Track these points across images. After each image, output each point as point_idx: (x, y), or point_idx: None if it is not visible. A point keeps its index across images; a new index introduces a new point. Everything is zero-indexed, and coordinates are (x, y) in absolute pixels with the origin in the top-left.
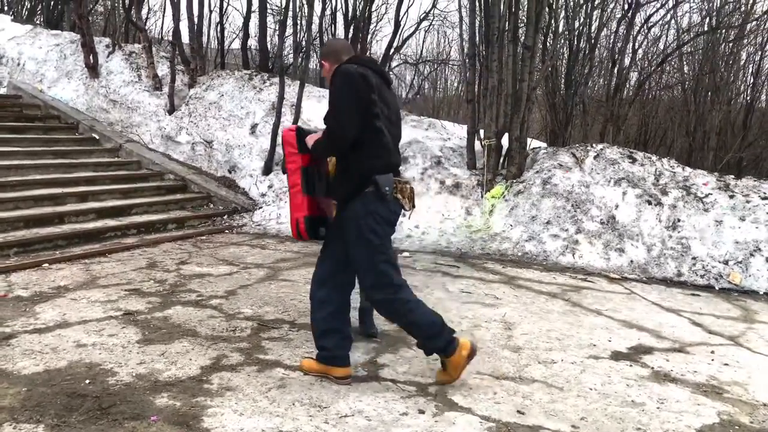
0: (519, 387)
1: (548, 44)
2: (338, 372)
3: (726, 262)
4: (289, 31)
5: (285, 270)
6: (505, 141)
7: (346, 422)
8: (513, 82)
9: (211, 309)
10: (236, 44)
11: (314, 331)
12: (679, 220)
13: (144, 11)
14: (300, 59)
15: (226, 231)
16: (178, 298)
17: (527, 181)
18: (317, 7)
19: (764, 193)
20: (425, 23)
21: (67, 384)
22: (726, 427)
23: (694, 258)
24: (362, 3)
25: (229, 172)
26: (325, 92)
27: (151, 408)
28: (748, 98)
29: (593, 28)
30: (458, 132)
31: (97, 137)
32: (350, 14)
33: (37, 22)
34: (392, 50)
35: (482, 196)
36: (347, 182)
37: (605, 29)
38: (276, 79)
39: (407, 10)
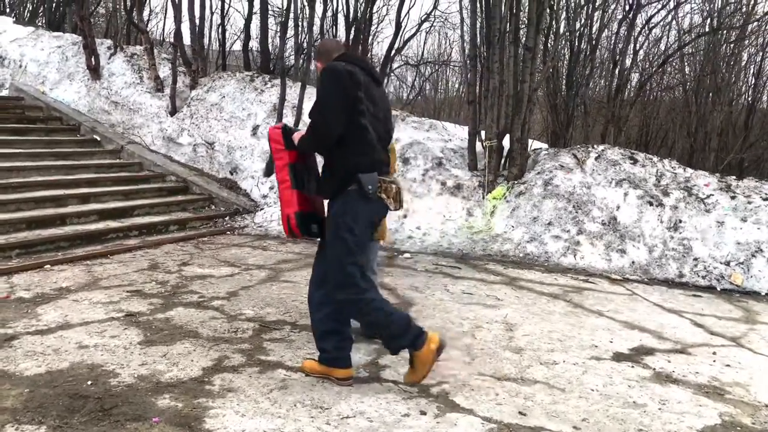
0: (521, 388)
1: (549, 45)
2: (339, 373)
3: (728, 263)
4: (290, 32)
5: (286, 271)
6: (506, 142)
7: (348, 423)
8: (514, 84)
9: (212, 310)
10: (237, 46)
11: (314, 332)
12: (680, 221)
13: (145, 13)
14: (301, 61)
15: (228, 232)
16: (179, 300)
17: (528, 182)
18: (318, 9)
19: (766, 193)
20: (426, 24)
21: (69, 385)
22: (728, 428)
23: (695, 259)
24: (363, 4)
25: (231, 173)
26: None
27: (152, 409)
28: (750, 99)
29: (594, 29)
30: (459, 133)
31: (99, 139)
32: (351, 16)
33: (39, 24)
34: (393, 51)
35: (483, 198)
36: (332, 180)
37: (606, 30)
38: (277, 81)
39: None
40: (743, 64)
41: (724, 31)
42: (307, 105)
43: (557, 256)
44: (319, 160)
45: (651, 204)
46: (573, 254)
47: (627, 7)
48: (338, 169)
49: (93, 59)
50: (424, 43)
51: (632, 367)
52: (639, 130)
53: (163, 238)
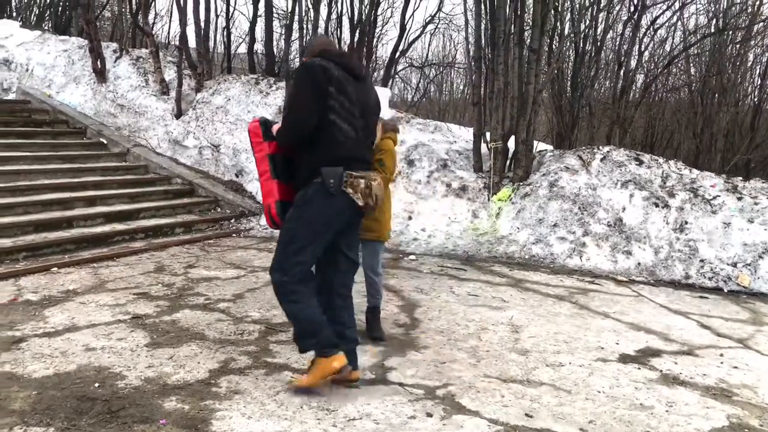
0: (527, 390)
1: (554, 47)
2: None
3: (734, 265)
4: (295, 35)
5: None
6: (511, 144)
7: (354, 425)
8: (519, 85)
9: (218, 312)
10: (242, 49)
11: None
12: (686, 223)
13: (151, 16)
14: None
15: (234, 235)
16: (186, 302)
17: (534, 184)
18: (323, 11)
19: None
20: (431, 26)
21: (77, 387)
22: (735, 430)
23: (702, 260)
24: (368, 7)
25: (236, 176)
26: None
27: (159, 411)
28: (756, 100)
29: (599, 30)
30: (464, 135)
31: (105, 142)
32: (356, 18)
33: (46, 27)
34: (398, 54)
35: (489, 199)
36: (299, 172)
37: (611, 31)
38: (282, 83)
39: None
40: (749, 64)
41: (730, 32)
42: None
43: (563, 258)
44: None
45: (657, 205)
46: (579, 256)
47: (632, 9)
48: (305, 162)
49: (99, 62)
50: (429, 45)
51: (639, 368)
52: (644, 131)
53: (169, 240)
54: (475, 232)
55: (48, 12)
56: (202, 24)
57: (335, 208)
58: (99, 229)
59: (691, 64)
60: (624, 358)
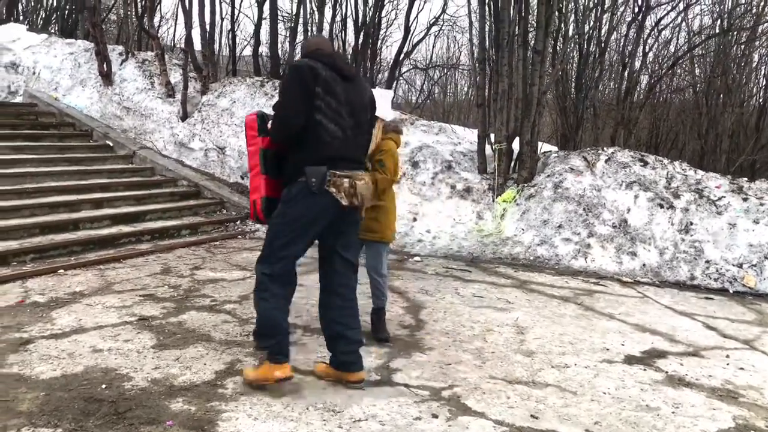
0: (532, 391)
1: (558, 48)
2: (350, 377)
3: (740, 266)
4: (299, 37)
5: (298, 275)
6: (515, 145)
7: (360, 427)
8: (523, 87)
9: (225, 314)
10: (247, 51)
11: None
12: (691, 224)
13: (156, 19)
14: None
15: (239, 236)
16: (192, 304)
17: (538, 185)
18: (327, 14)
19: None
20: (435, 28)
21: (84, 389)
22: (741, 431)
23: (707, 261)
24: (372, 9)
25: (242, 178)
26: None
27: (166, 413)
28: (761, 100)
29: (603, 31)
30: (469, 136)
31: (111, 144)
32: (360, 20)
33: (52, 31)
34: (402, 55)
35: (493, 201)
36: (287, 170)
37: (615, 33)
38: None
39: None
40: (754, 65)
41: (735, 33)
42: None
43: (568, 259)
44: None
45: (662, 206)
46: (584, 257)
47: (636, 10)
48: (292, 161)
49: (105, 65)
50: (433, 46)
51: (644, 370)
52: (649, 132)
53: (175, 242)
54: (480, 233)
55: (54, 15)
56: (208, 27)
57: (318, 207)
58: (105, 231)
59: (696, 65)
60: (629, 360)
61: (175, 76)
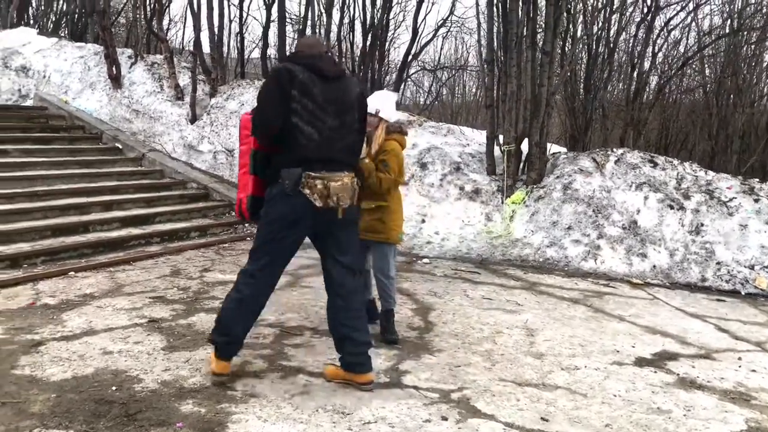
0: (542, 394)
1: (567, 49)
2: (361, 378)
3: (752, 267)
4: None
5: (306, 276)
6: (524, 146)
7: (370, 429)
8: (532, 87)
9: None
10: (256, 54)
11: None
12: (702, 225)
13: (165, 22)
14: None
15: (248, 238)
16: (201, 305)
17: (548, 187)
18: (335, 16)
19: None
20: (443, 30)
21: (95, 390)
22: None
23: (718, 263)
24: (380, 11)
25: None
26: None
27: (176, 414)
28: None
29: (612, 32)
30: (477, 138)
31: (121, 147)
32: (368, 22)
33: (62, 34)
34: (410, 57)
35: (502, 202)
36: (269, 172)
37: (624, 33)
38: None
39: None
40: (765, 65)
41: (745, 32)
42: None
43: (577, 261)
44: None
45: (672, 207)
46: (593, 258)
47: (645, 10)
48: (273, 163)
49: (114, 68)
50: (441, 48)
51: (655, 372)
52: (658, 133)
53: (184, 244)
54: (489, 235)
55: (64, 19)
56: (216, 29)
57: (293, 208)
58: (115, 234)
59: (706, 65)
60: (640, 362)
61: (184, 79)
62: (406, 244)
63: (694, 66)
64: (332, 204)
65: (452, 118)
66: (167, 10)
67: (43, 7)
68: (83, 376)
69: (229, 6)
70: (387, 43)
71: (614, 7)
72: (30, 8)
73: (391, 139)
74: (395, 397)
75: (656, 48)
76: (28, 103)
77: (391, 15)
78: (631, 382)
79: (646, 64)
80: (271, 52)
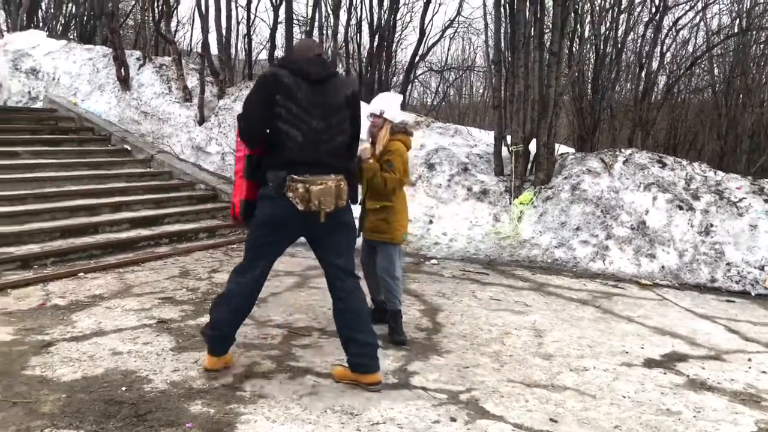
0: (551, 395)
1: (574, 49)
2: (370, 379)
3: (762, 268)
4: (315, 41)
5: (314, 277)
6: (532, 147)
7: (378, 430)
8: (539, 88)
9: None
10: (263, 55)
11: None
12: (711, 225)
13: (173, 24)
14: None
15: None
16: (210, 306)
17: (556, 187)
18: (342, 18)
19: None
20: (450, 30)
21: (105, 391)
22: None
23: (728, 263)
24: (387, 12)
25: None
26: None
27: (185, 415)
28: None
29: (620, 32)
30: (485, 138)
31: (130, 148)
32: (375, 24)
33: (71, 37)
34: (417, 58)
35: (510, 203)
36: (260, 176)
37: (632, 33)
38: None
39: (432, 18)
40: None
41: (754, 32)
42: None
43: (586, 262)
44: None
45: (681, 208)
46: (602, 259)
47: (653, 9)
48: (262, 167)
49: (123, 70)
50: (448, 49)
51: (665, 373)
52: (667, 133)
53: (193, 245)
54: (497, 236)
55: (73, 22)
56: (224, 31)
57: (278, 211)
58: (124, 235)
59: (715, 65)
60: (649, 363)
61: (192, 81)
62: (414, 245)
63: (702, 66)
64: (314, 208)
65: (460, 118)
66: (175, 12)
67: (52, 10)
68: (93, 376)
69: (236, 8)
70: (394, 44)
71: (622, 6)
72: (39, 11)
73: (395, 140)
74: (404, 398)
75: (664, 48)
76: (38, 105)
77: (398, 16)
78: (641, 384)
79: (655, 64)
80: (279, 53)
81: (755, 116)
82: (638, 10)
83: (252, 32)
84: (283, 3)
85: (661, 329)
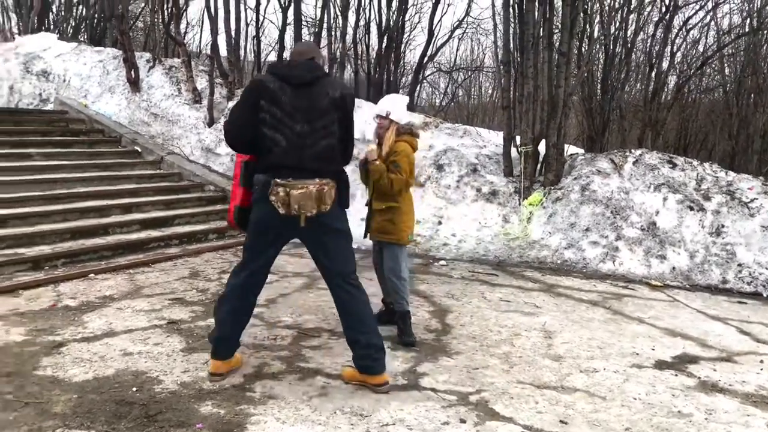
0: (561, 396)
1: (584, 50)
2: (375, 380)
3: None
4: (323, 42)
5: (323, 278)
6: (541, 147)
7: (388, 431)
8: (549, 88)
9: (252, 317)
10: (272, 57)
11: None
12: (723, 226)
13: (183, 26)
14: (335, 70)
15: None
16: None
17: (565, 188)
18: (351, 19)
19: None
20: (459, 31)
21: (115, 391)
22: None
23: (740, 264)
24: (396, 13)
25: None
26: (360, 102)
27: (196, 415)
28: None
29: (629, 32)
30: (494, 139)
31: (140, 150)
32: (384, 24)
33: (82, 39)
34: (426, 59)
35: (520, 204)
36: (249, 180)
37: (642, 33)
38: None
39: (441, 19)
40: None
41: (765, 31)
42: None
43: (596, 263)
44: None
45: (691, 209)
46: (612, 260)
47: (663, 9)
48: (249, 171)
49: (132, 72)
50: (457, 49)
51: (676, 375)
52: (677, 133)
53: (202, 246)
54: (507, 237)
55: (84, 24)
56: (233, 33)
57: (261, 214)
58: (135, 236)
59: (726, 65)
60: (660, 365)
61: (202, 83)
62: (423, 246)
63: (713, 65)
64: (294, 212)
65: (468, 119)
66: (184, 14)
67: (63, 13)
68: (104, 377)
69: (245, 10)
70: (403, 45)
71: (632, 6)
72: (50, 14)
73: (401, 141)
74: (413, 399)
75: (675, 47)
76: (49, 107)
77: (407, 17)
78: (651, 385)
79: (665, 64)
80: (287, 55)
81: (767, 116)
82: (648, 9)
83: (261, 34)
84: (292, 5)
85: (672, 330)
